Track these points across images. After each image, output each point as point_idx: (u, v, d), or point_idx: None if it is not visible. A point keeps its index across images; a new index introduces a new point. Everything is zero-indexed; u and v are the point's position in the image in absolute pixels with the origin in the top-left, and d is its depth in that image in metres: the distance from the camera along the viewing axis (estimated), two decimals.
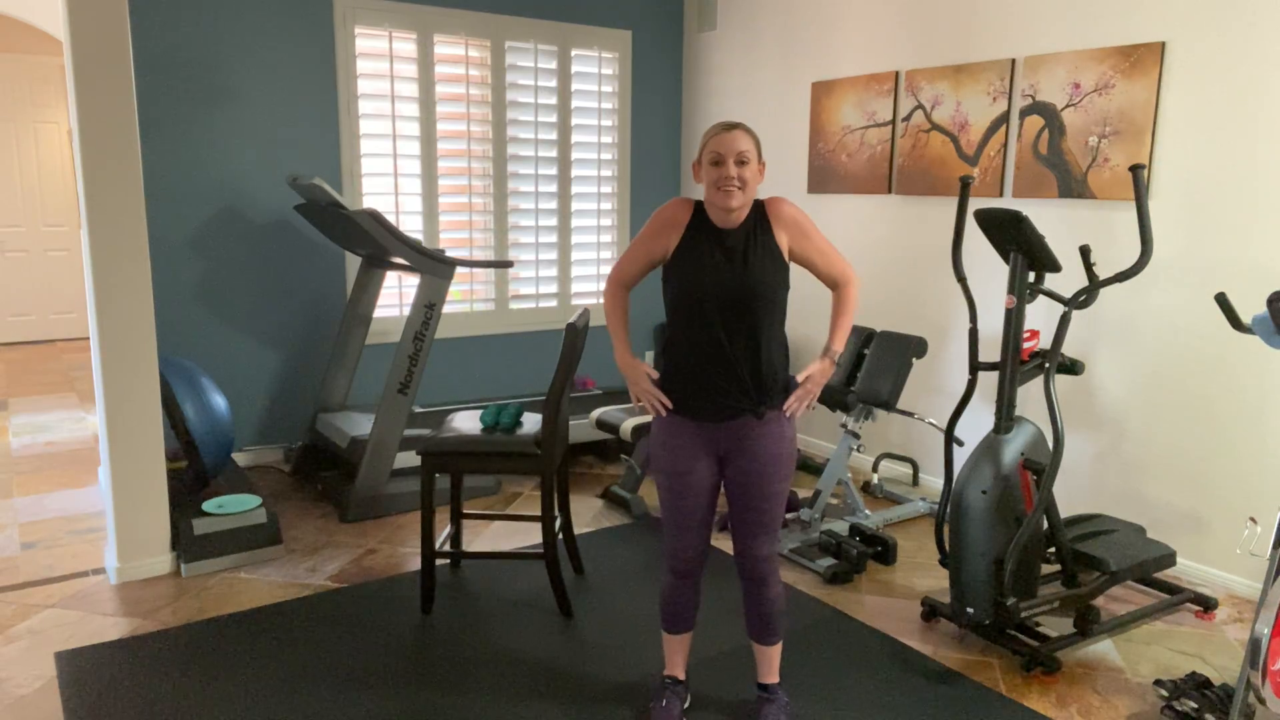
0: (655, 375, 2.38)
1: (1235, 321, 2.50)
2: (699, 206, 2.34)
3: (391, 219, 4.82)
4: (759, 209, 2.32)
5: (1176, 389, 3.53)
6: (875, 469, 4.56)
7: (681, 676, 2.60)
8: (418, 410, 4.88)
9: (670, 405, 2.34)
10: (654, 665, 2.85)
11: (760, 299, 2.25)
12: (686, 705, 2.61)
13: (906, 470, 4.63)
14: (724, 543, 3.83)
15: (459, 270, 5.04)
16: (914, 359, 3.84)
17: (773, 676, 2.56)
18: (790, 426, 2.37)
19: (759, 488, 2.34)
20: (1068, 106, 3.76)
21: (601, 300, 5.71)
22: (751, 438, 2.32)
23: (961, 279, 3.03)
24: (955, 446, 4.28)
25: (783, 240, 2.31)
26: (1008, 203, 4.04)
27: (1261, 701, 2.19)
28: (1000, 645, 2.97)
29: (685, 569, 2.45)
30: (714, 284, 2.25)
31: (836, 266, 2.39)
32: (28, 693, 2.66)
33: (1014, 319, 2.88)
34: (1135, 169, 2.68)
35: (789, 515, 3.95)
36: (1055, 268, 2.84)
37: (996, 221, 2.83)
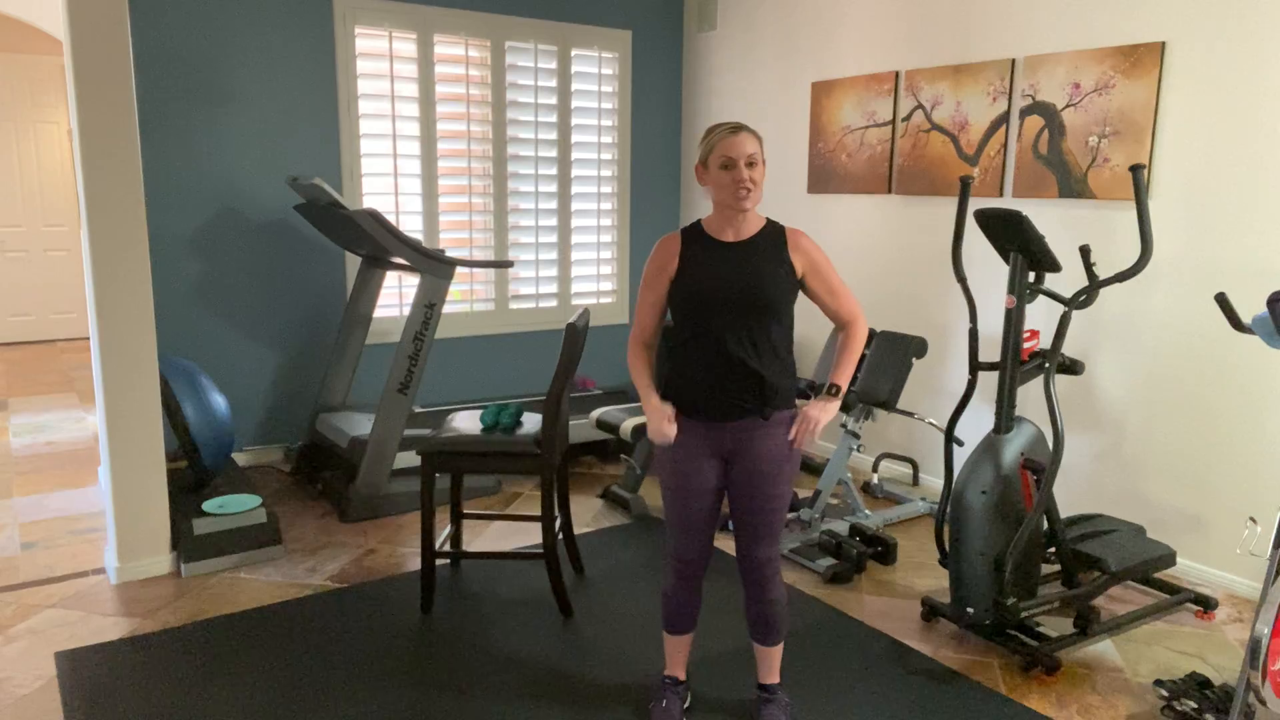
0: (673, 419, 2.35)
1: (1235, 321, 2.50)
2: (687, 232, 2.35)
3: (391, 219, 4.82)
4: (779, 232, 2.33)
5: (1176, 389, 3.53)
6: (875, 469, 4.56)
7: (682, 676, 2.60)
8: (418, 410, 4.88)
9: (675, 435, 2.32)
10: (654, 665, 2.85)
11: (767, 302, 2.26)
12: (687, 705, 2.61)
13: (906, 470, 4.63)
14: (725, 543, 3.83)
15: (459, 270, 5.04)
16: (914, 359, 3.84)
17: (773, 677, 2.56)
18: (806, 428, 2.37)
19: (762, 489, 2.34)
20: (1068, 106, 3.76)
21: (602, 300, 5.72)
22: (756, 439, 2.32)
23: (961, 279, 3.03)
24: (955, 446, 4.28)
25: (797, 263, 2.33)
26: (1008, 203, 4.04)
27: (1262, 701, 2.19)
28: (1000, 645, 2.97)
29: (688, 571, 2.45)
30: (721, 288, 2.26)
31: (845, 305, 2.40)
32: (28, 693, 2.66)
33: (1014, 319, 2.88)
34: (1135, 169, 2.68)
35: (789, 515, 3.95)
36: (1055, 268, 2.84)
37: (996, 221, 2.83)
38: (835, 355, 2.44)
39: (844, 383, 2.36)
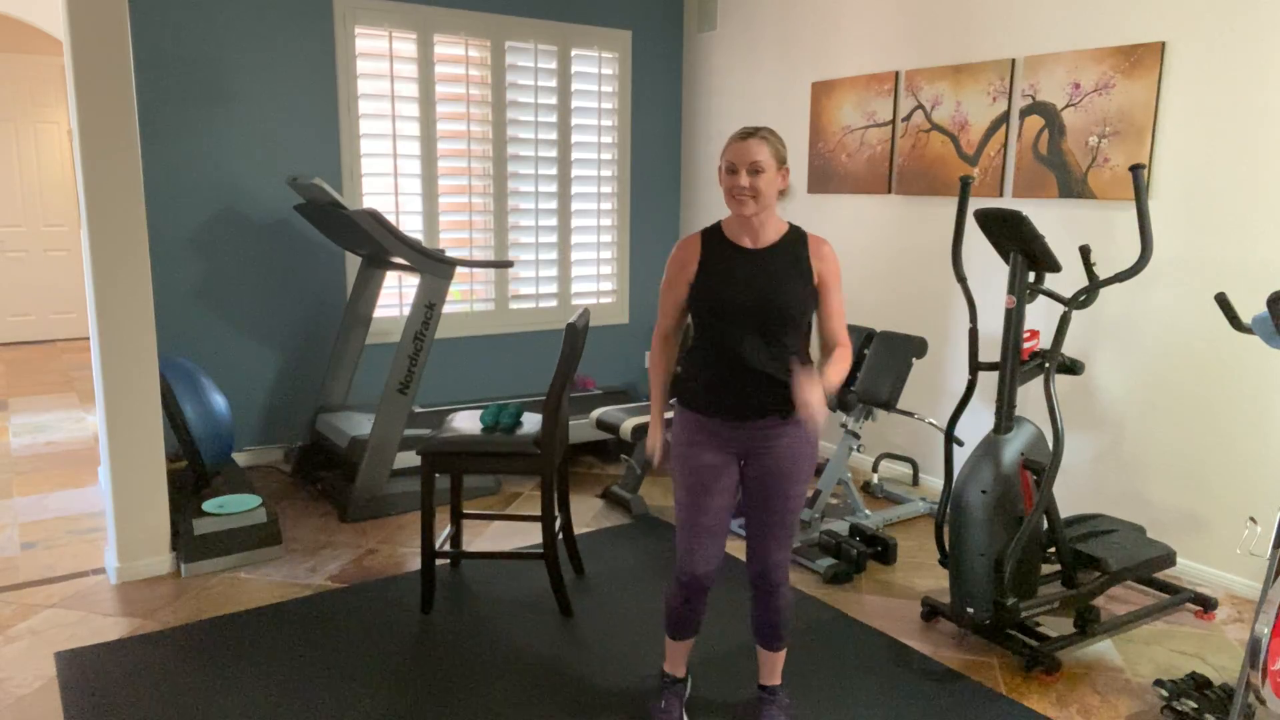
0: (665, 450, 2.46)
1: (1235, 321, 2.50)
2: (708, 234, 2.35)
3: (391, 219, 4.82)
4: (800, 239, 2.31)
5: (1176, 389, 3.53)
6: (875, 469, 4.56)
7: (681, 674, 2.59)
8: (418, 410, 4.88)
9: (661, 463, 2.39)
10: (654, 665, 2.85)
11: (785, 313, 2.25)
12: (686, 697, 2.61)
13: (906, 470, 4.63)
14: (728, 544, 3.82)
15: (459, 270, 5.04)
16: (914, 359, 3.84)
17: (775, 679, 2.55)
18: (814, 433, 2.35)
19: (778, 489, 2.33)
20: (1068, 106, 3.76)
21: (602, 300, 5.72)
22: (773, 437, 2.31)
23: (961, 279, 3.03)
24: (955, 446, 4.28)
25: (816, 270, 2.30)
26: (1008, 203, 4.04)
27: (1261, 701, 2.19)
28: (1000, 645, 2.97)
29: (697, 582, 2.35)
30: (738, 298, 2.25)
31: (839, 329, 2.36)
32: (28, 693, 2.66)
33: (1014, 319, 2.88)
34: (1135, 169, 2.68)
35: None
36: (1055, 268, 2.84)
37: (996, 221, 2.83)
38: (824, 364, 2.34)
39: (831, 386, 2.26)
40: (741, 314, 2.25)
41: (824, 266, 2.31)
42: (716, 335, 2.29)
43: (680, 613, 2.45)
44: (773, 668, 2.54)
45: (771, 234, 2.30)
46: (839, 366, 2.31)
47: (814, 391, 2.15)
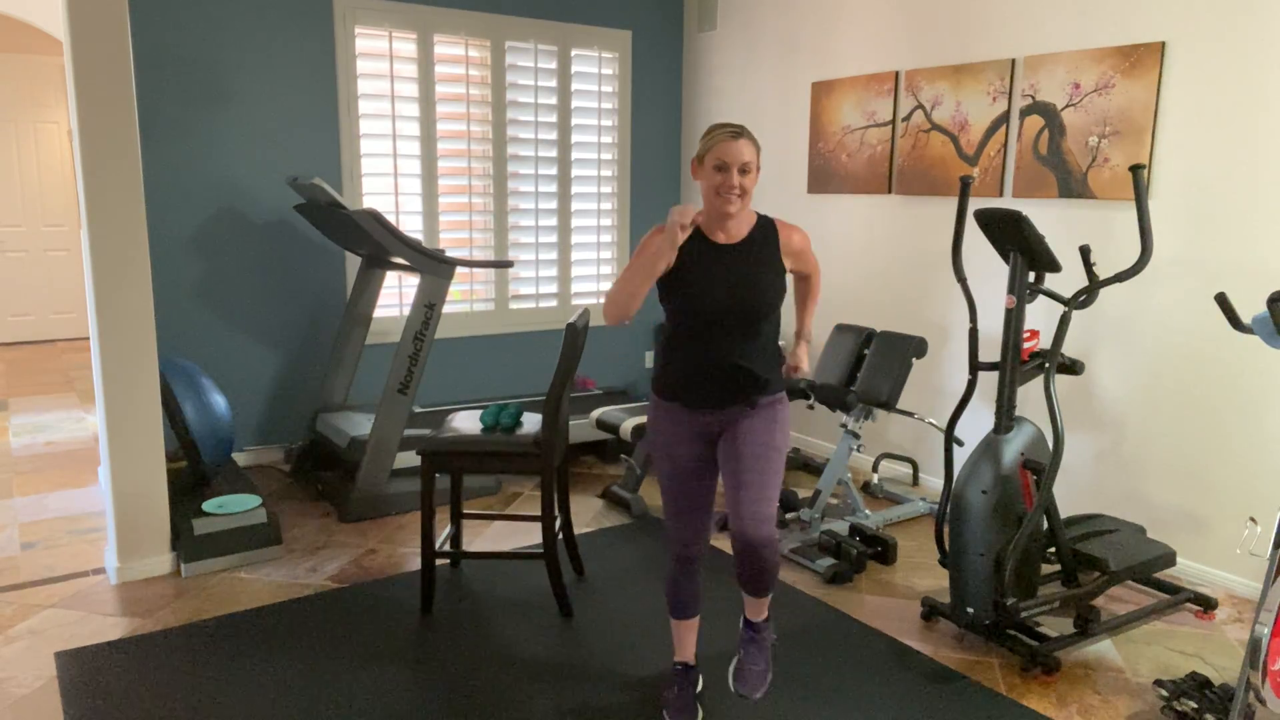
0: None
1: (1235, 321, 2.50)
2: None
3: (391, 219, 4.82)
4: (769, 228, 2.38)
5: (1176, 389, 3.53)
6: (875, 469, 4.56)
7: (692, 662, 2.62)
8: (418, 410, 4.88)
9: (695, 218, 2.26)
10: (653, 666, 2.85)
11: (761, 310, 2.33)
12: (699, 690, 2.63)
13: (906, 470, 4.63)
14: (723, 542, 3.82)
15: (459, 270, 5.04)
16: (914, 359, 3.84)
17: (761, 615, 2.58)
18: (783, 413, 2.44)
19: (753, 444, 2.35)
20: (1068, 106, 3.76)
21: (602, 300, 5.72)
22: (745, 418, 2.39)
23: (961, 279, 3.03)
24: (955, 446, 4.28)
25: (787, 262, 2.42)
26: (1008, 203, 4.04)
27: (1261, 701, 2.19)
28: (1000, 645, 2.97)
29: (687, 554, 2.49)
30: (715, 296, 2.31)
31: (812, 264, 2.53)
32: (28, 693, 2.66)
33: (1014, 319, 2.88)
34: (1135, 169, 2.68)
35: (789, 515, 3.94)
36: (1055, 268, 2.84)
37: (996, 221, 2.83)
38: (800, 304, 2.62)
39: (810, 328, 2.59)
40: (720, 311, 2.31)
41: (794, 254, 2.43)
42: (694, 330, 2.35)
43: (680, 589, 2.54)
44: (759, 608, 2.57)
45: (744, 227, 2.37)
46: (815, 299, 2.62)
47: (805, 356, 2.50)
